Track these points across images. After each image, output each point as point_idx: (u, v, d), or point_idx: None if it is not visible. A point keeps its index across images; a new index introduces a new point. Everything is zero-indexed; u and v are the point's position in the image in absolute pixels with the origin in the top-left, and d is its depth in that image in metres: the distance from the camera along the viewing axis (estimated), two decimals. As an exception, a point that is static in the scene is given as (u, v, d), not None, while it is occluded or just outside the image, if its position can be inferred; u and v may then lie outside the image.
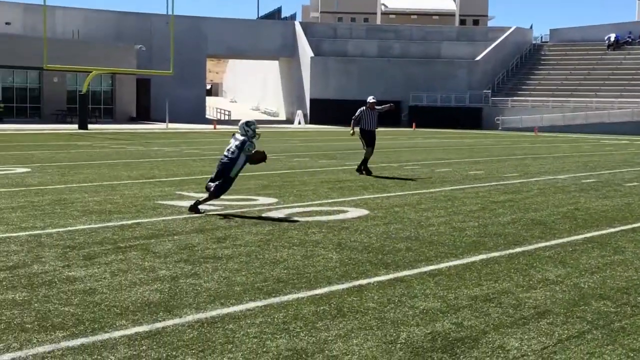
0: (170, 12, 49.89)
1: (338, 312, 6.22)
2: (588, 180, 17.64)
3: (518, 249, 9.03)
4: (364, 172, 17.85)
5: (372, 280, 7.32)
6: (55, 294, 6.56)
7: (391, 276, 7.50)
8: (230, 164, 11.34)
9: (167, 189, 14.17)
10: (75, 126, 43.14)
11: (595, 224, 11.14)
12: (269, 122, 61.83)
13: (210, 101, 76.17)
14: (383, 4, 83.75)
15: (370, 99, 18.30)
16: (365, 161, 18.02)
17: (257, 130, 11.63)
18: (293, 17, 72.53)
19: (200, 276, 7.32)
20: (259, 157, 11.69)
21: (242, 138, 11.45)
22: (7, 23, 55.54)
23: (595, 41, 64.07)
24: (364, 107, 18.31)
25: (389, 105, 19.08)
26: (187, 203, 12.24)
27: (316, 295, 6.73)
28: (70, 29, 57.09)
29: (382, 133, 45.64)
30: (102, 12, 59.88)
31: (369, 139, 18.23)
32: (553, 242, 9.54)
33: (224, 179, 11.37)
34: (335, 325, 5.86)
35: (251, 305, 6.37)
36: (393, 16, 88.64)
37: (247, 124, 11.58)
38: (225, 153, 11.46)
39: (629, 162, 24.37)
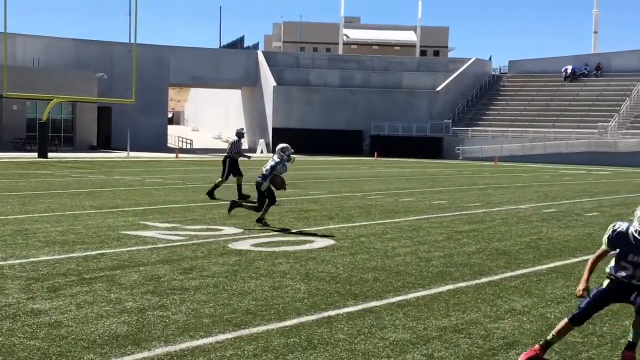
0: (132, 41, 49.78)
1: (308, 344, 6.20)
2: (549, 210, 17.88)
3: (484, 279, 9.10)
4: (244, 197, 18.28)
5: (341, 311, 7.31)
6: (19, 328, 6.44)
7: (360, 307, 7.50)
8: (262, 181, 13.31)
9: (130, 219, 14.04)
10: (35, 154, 42.58)
11: (558, 253, 11.29)
12: (231, 151, 61.64)
13: (171, 129, 75.80)
14: (345, 34, 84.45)
15: (241, 130, 19.49)
16: (240, 187, 18.67)
17: (291, 155, 13.53)
18: (255, 46, 72.72)
19: (168, 308, 7.24)
20: (279, 182, 13.35)
21: (277, 159, 13.34)
22: (-35, 50, 54.82)
23: (553, 73, 65.24)
24: (237, 139, 19.18)
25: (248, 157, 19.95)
26: (152, 233, 12.14)
27: (286, 327, 6.70)
28: (30, 57, 56.56)
29: (344, 162, 45.84)
30: (63, 40, 59.43)
31: (237, 166, 18.78)
32: (518, 272, 9.64)
33: (258, 195, 13.43)
34: (306, 358, 5.84)
35: (221, 337, 6.33)
36: (355, 46, 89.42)
37: (283, 149, 13.49)
38: (263, 171, 13.32)
39: (587, 191, 24.77)
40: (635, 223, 5.73)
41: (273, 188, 13.59)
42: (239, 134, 19.31)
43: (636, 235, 5.68)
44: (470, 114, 62.99)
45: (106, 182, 23.88)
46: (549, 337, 5.86)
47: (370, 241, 11.99)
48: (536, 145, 54.70)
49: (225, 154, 18.97)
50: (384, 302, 7.75)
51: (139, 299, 7.59)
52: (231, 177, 18.72)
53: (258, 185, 13.47)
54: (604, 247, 5.89)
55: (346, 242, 11.76)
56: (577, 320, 5.77)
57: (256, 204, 13.72)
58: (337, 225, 13.89)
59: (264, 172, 13.38)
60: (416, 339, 6.43)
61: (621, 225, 5.81)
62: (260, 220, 13.54)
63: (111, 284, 8.23)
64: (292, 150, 13.73)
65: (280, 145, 13.63)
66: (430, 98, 63.11)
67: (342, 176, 30.49)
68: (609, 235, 5.83)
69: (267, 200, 13.48)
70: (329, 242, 11.75)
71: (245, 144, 69.23)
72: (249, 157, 19.38)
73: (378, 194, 21.65)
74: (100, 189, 21.07)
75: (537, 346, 5.87)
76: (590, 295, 5.79)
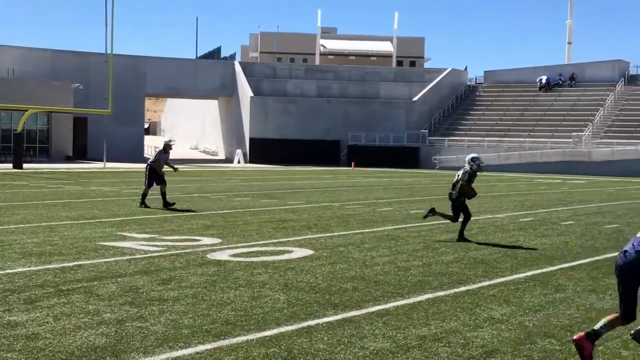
0: (108, 51, 49.55)
1: (288, 354, 6.19)
2: (526, 219, 17.99)
3: (463, 288, 9.14)
4: (146, 205, 18.73)
5: (320, 321, 7.31)
6: (-4, 340, 6.37)
7: (339, 317, 7.50)
8: (452, 191, 13.57)
9: (107, 230, 13.95)
10: (10, 165, 42.21)
11: (535, 262, 11.36)
12: (208, 161, 61.54)
13: (148, 140, 75.46)
14: (322, 45, 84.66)
15: (169, 142, 19.89)
16: (164, 194, 19.03)
17: (481, 165, 13.66)
18: (232, 57, 72.66)
19: (147, 319, 7.20)
20: (469, 192, 13.52)
21: (466, 168, 13.47)
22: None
23: (528, 83, 65.81)
24: (161, 150, 19.59)
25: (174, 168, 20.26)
26: (129, 244, 12.07)
27: (265, 337, 6.68)
28: (5, 67, 56.14)
29: (322, 172, 45.82)
30: (38, 50, 59.05)
31: (159, 176, 19.13)
32: (496, 281, 9.69)
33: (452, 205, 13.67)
34: (287, 368, 5.83)
35: (200, 348, 6.30)
36: (331, 57, 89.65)
37: (473, 159, 13.63)
38: (454, 181, 13.58)
39: (563, 200, 24.96)
40: None
41: (463, 199, 13.75)
42: (166, 146, 19.61)
43: None
44: (447, 123, 63.32)
45: (83, 192, 23.72)
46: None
47: (348, 251, 12.00)
48: (512, 155, 55.09)
49: (147, 163, 19.53)
50: (364, 311, 7.76)
51: (117, 310, 7.53)
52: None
53: (450, 196, 13.71)
54: None
55: (325, 252, 11.76)
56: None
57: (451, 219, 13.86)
58: (316, 235, 13.89)
59: (454, 182, 13.63)
60: (396, 348, 6.44)
61: None
62: (461, 238, 13.53)
63: (89, 296, 8.17)
64: (482, 161, 14.01)
65: (470, 155, 13.81)
66: (407, 108, 63.37)
67: (319, 186, 30.52)
68: None
69: (463, 215, 13.68)
70: (307, 252, 11.74)
71: (222, 155, 69.13)
72: (164, 171, 19.43)
73: (356, 203, 21.68)
74: (76, 199, 20.92)
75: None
76: None
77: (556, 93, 64.00)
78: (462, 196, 13.62)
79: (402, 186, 32.23)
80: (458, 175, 13.65)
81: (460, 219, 13.81)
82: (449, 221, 14.23)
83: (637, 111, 57.89)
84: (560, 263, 11.30)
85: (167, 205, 18.65)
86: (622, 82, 61.65)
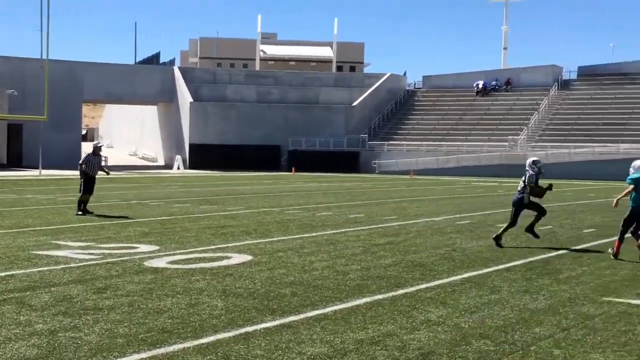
0: (44, 56, 48.62)
1: (225, 361, 6.15)
2: (462, 222, 18.25)
3: (400, 291, 9.21)
4: (86, 213, 18.53)
5: (258, 327, 7.28)
6: None
7: (277, 322, 7.48)
8: (520, 196, 13.64)
9: (42, 239, 13.66)
10: (-60, 173, 41.03)
11: (471, 264, 11.53)
12: (147, 168, 60.83)
13: (86, 147, 74.20)
14: (262, 50, 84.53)
15: (97, 144, 19.72)
16: (85, 203, 18.80)
17: (542, 167, 13.84)
18: (172, 62, 71.98)
19: (81, 329, 7.07)
20: (540, 192, 13.71)
21: (529, 173, 13.58)
22: None
23: (465, 88, 66.81)
24: (91, 153, 19.40)
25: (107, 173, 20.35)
26: (64, 252, 11.84)
27: (202, 344, 6.63)
28: None
29: (262, 177, 45.74)
30: (-30, 55, 57.58)
31: (92, 186, 19.03)
32: (433, 283, 9.80)
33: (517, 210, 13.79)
34: (223, 375, 5.79)
35: (135, 357, 6.21)
36: (272, 62, 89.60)
37: (534, 162, 13.81)
38: (518, 188, 13.70)
39: (497, 204, 25.37)
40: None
41: (536, 200, 13.96)
42: (95, 148, 19.43)
43: None
44: (386, 128, 63.86)
45: (17, 201, 23.19)
46: None
47: (287, 256, 12.00)
48: (450, 159, 55.84)
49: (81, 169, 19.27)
50: (302, 316, 7.76)
51: (50, 320, 7.38)
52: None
53: (518, 201, 13.70)
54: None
55: (264, 258, 11.74)
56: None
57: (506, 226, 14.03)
58: (255, 241, 13.85)
59: (520, 189, 13.69)
60: (333, 352, 6.46)
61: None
62: (533, 234, 13.93)
63: (20, 306, 7.98)
64: (542, 163, 14.18)
65: (531, 159, 13.92)
66: (347, 113, 63.71)
67: (260, 191, 30.44)
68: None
69: (537, 212, 13.84)
70: (246, 257, 11.70)
71: (161, 161, 68.40)
72: (103, 173, 19.60)
73: (296, 208, 21.69)
74: (10, 208, 20.44)
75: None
76: None
77: (493, 97, 65.11)
78: (535, 196, 13.83)
79: (342, 191, 32.36)
80: (523, 181, 13.66)
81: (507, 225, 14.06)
82: (509, 227, 14.05)
83: (570, 115, 59.30)
84: (496, 265, 11.50)
85: (80, 211, 18.41)
86: (556, 87, 63.07)
